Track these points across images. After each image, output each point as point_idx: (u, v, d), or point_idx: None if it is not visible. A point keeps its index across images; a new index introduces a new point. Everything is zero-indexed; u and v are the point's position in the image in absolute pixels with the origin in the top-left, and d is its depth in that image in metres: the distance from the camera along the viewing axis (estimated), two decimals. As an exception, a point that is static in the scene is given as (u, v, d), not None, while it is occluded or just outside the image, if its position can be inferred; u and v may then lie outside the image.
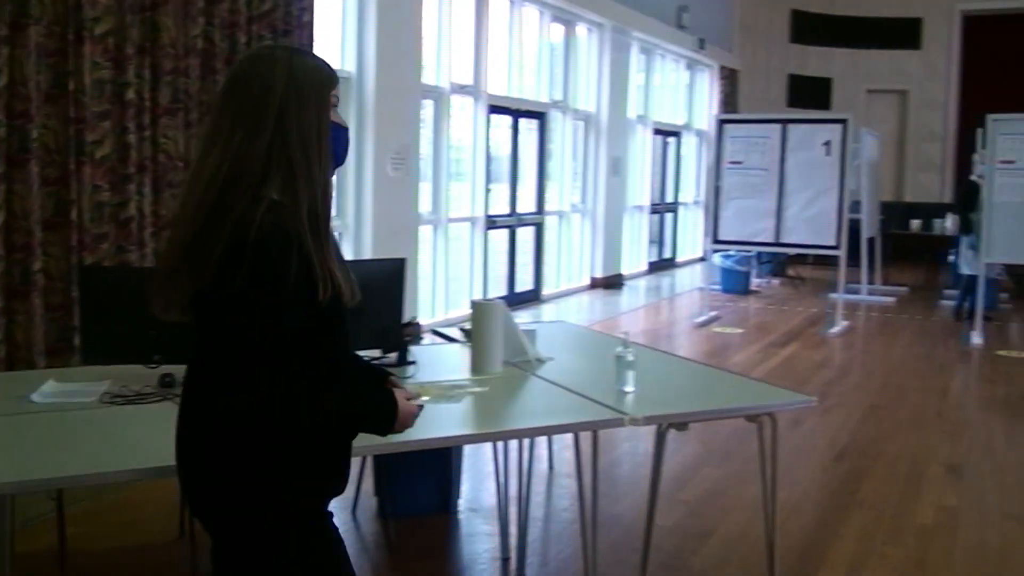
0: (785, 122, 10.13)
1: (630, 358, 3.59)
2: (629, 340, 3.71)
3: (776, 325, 10.34)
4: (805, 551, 4.24)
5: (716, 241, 10.45)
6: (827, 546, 4.31)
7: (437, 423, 3.17)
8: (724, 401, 3.63)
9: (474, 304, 3.80)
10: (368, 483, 4.62)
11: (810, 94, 18.96)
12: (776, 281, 14.00)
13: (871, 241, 12.57)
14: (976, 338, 9.34)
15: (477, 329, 3.77)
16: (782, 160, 9.98)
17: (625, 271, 13.78)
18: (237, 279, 1.83)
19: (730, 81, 17.18)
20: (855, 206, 12.48)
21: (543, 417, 3.34)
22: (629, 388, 3.57)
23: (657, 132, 15.04)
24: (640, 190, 14.52)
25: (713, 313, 10.65)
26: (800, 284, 13.82)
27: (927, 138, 18.97)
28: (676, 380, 3.96)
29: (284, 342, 1.87)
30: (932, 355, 8.98)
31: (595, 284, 12.89)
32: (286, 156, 1.93)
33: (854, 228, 11.77)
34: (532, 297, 11.55)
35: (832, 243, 9.81)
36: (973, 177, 10.76)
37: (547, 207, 11.87)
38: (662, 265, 15.49)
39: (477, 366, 3.78)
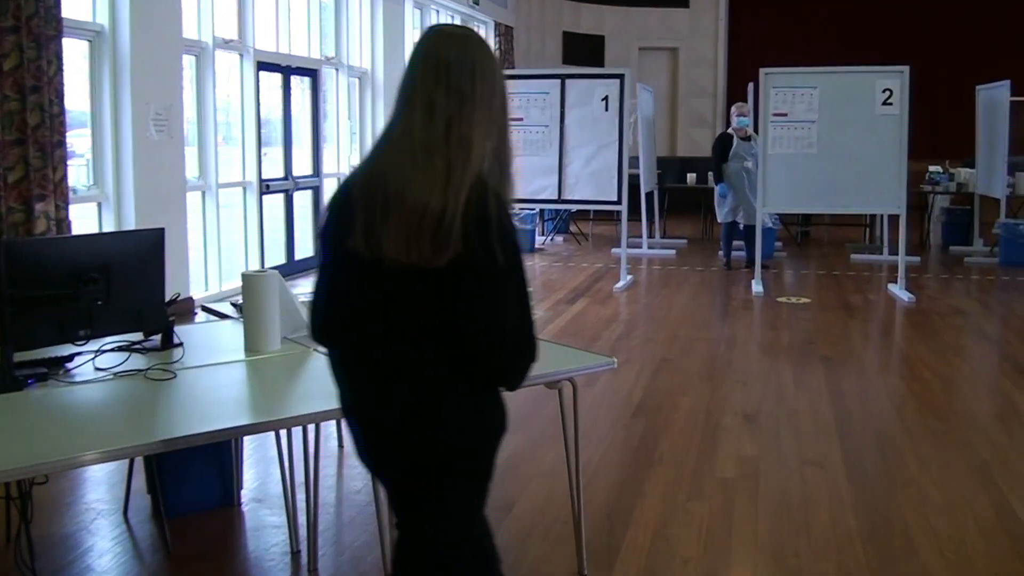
0: (564, 78, 10.04)
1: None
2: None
3: (563, 282, 10.30)
4: (611, 514, 4.11)
5: (500, 199, 10.27)
6: (632, 507, 4.19)
7: (208, 413, 2.81)
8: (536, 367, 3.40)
9: (245, 277, 3.41)
10: (139, 480, 4.17)
11: (584, 51, 19.12)
12: (561, 238, 14.04)
13: (649, 196, 12.76)
14: (756, 286, 9.58)
15: (250, 304, 3.39)
16: (562, 116, 9.89)
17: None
18: (504, 255, 2.01)
19: (506, 38, 17.05)
20: (633, 161, 12.63)
21: (327, 399, 3.01)
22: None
23: (435, 90, 14.72)
24: (420, 150, 14.18)
25: (500, 273, 10.49)
26: (584, 240, 13.91)
27: (698, 94, 19.49)
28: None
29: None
30: (715, 305, 9.16)
31: (378, 248, 12.54)
32: (497, 127, 2.11)
33: (633, 183, 11.90)
34: (313, 264, 11.06)
35: (614, 198, 9.83)
36: (730, 130, 11.04)
37: (325, 170, 11.39)
38: (446, 226, 15.24)
39: (252, 344, 3.41)
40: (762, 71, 9.65)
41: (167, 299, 3.58)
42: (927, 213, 13.37)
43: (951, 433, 5.29)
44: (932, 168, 13.42)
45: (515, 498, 4.30)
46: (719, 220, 11.20)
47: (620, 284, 9.83)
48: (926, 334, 7.80)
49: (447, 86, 2.07)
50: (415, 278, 2.03)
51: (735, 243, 11.22)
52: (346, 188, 2.16)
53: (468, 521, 2.25)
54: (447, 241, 1.99)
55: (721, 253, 11.36)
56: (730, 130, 11.08)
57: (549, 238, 13.90)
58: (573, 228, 14.41)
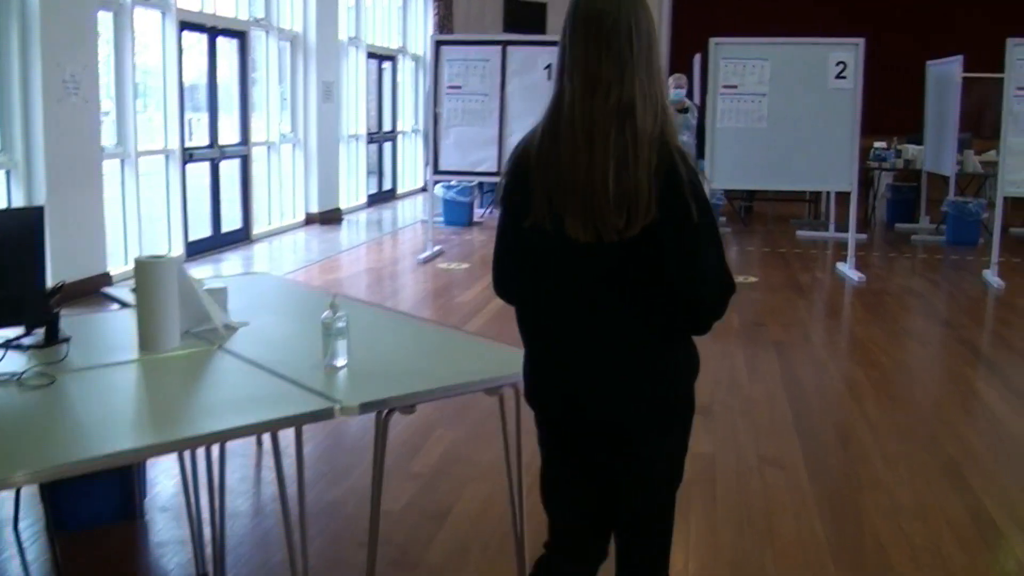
0: (505, 44, 9.57)
1: (340, 324, 2.89)
2: (339, 299, 3.00)
3: (503, 258, 9.88)
4: (556, 525, 3.72)
5: (436, 172, 9.81)
6: (579, 517, 3.81)
7: (88, 432, 2.37)
8: (459, 373, 2.98)
9: (138, 263, 2.94)
10: (30, 491, 3.69)
11: (525, 19, 18.62)
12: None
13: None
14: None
15: (144, 296, 2.93)
16: (503, 85, 9.44)
17: (344, 205, 12.98)
18: (698, 208, 2.01)
19: (445, 3, 16.49)
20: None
21: (231, 412, 2.56)
22: (340, 362, 2.88)
23: (371, 56, 14.19)
24: (356, 118, 13.66)
25: (437, 248, 10.06)
26: (523, 213, 13.48)
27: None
28: (400, 348, 3.28)
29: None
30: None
31: (311, 220, 12.02)
32: (657, 82, 2.08)
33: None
34: (241, 237, 10.56)
35: (557, 171, 9.42)
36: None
37: (253, 138, 10.83)
38: (383, 197, 14.77)
39: (146, 342, 2.94)
40: (712, 41, 9.26)
41: (50, 287, 3.11)
42: (872, 190, 13.16)
43: (915, 426, 5.00)
44: (877, 144, 13.19)
45: (449, 505, 3.90)
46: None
47: None
48: (879, 316, 7.53)
49: (608, 54, 2.05)
50: (609, 248, 2.06)
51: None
52: (522, 164, 2.16)
53: (683, 458, 2.31)
54: (636, 213, 2.01)
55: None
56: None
57: (488, 211, 13.46)
58: (514, 201, 13.95)
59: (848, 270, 9.11)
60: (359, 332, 3.03)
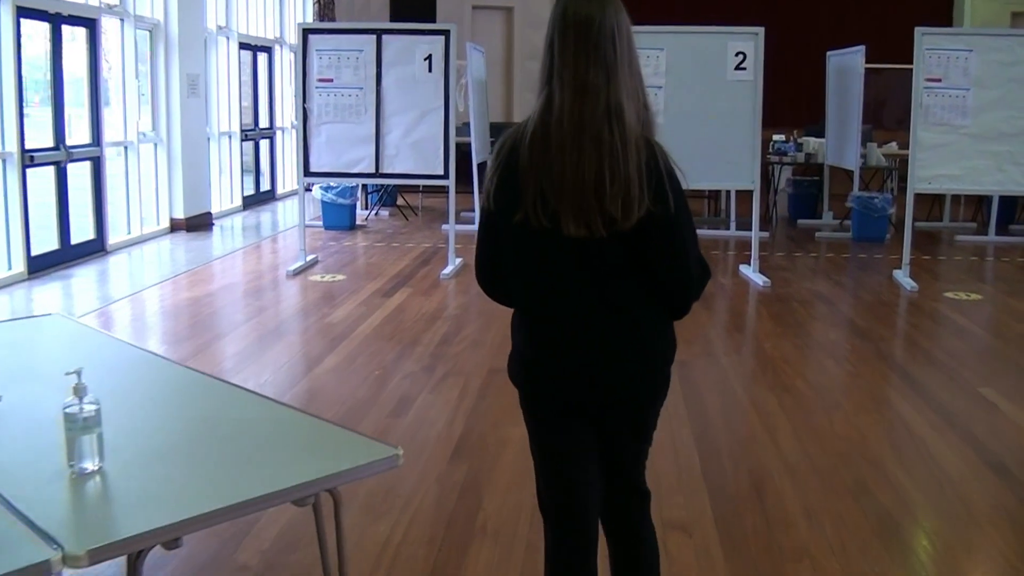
0: (380, 33, 8.72)
1: (88, 414, 2.08)
2: (82, 378, 2.18)
3: (384, 267, 9.06)
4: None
5: (307, 173, 8.92)
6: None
7: None
8: (262, 480, 2.17)
9: None
10: None
11: (413, 8, 17.76)
12: (386, 212, 12.75)
13: (482, 166, 11.60)
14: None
15: None
16: (379, 77, 8.61)
17: (215, 209, 11.99)
18: (676, 201, 2.22)
19: (326, -9, 15.56)
20: (463, 129, 11.47)
21: None
22: (90, 465, 2.08)
23: (244, 47, 13.19)
24: (228, 114, 12.66)
25: (311, 257, 9.19)
26: (413, 215, 12.67)
27: (534, 56, 18.27)
28: (188, 437, 2.46)
29: None
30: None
31: (177, 227, 11.01)
32: (638, 81, 2.24)
33: (465, 152, 10.75)
34: (96, 249, 9.52)
35: (440, 171, 8.63)
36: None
37: (107, 137, 9.79)
38: (261, 199, 13.79)
39: None
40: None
41: None
42: (772, 185, 12.66)
43: (839, 470, 4.34)
44: (776, 137, 12.68)
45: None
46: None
47: (448, 269, 8.65)
48: (789, 327, 6.93)
49: (595, 59, 2.16)
50: (601, 241, 2.18)
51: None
52: (511, 163, 2.22)
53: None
54: (630, 208, 2.14)
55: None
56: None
57: (373, 212, 12.61)
58: (400, 201, 13.16)
59: (752, 273, 8.53)
60: (137, 409, 2.21)
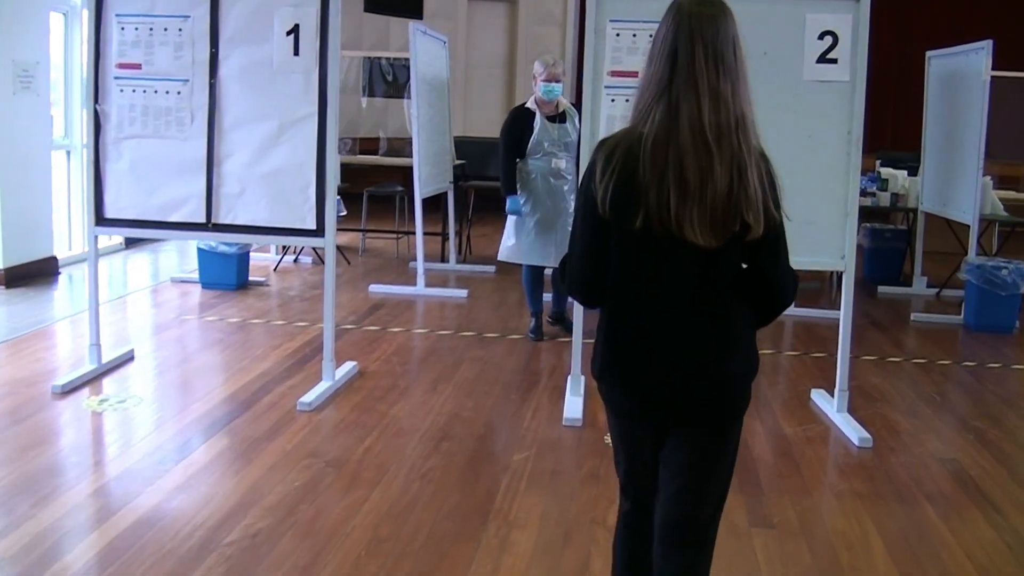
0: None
1: None
2: None
3: (231, 373, 5.60)
4: None
5: (100, 221, 5.38)
6: None
7: None
8: None
9: None
10: None
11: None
12: (309, 258, 9.28)
13: (431, 201, 8.16)
14: (572, 398, 5.07)
15: None
16: (214, 63, 5.13)
17: (67, 251, 8.59)
18: (779, 210, 2.24)
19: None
20: (407, 148, 8.02)
21: None
22: None
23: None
24: (81, 116, 9.22)
25: (125, 351, 5.76)
26: (355, 258, 9.21)
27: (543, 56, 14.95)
28: None
29: None
30: (473, 483, 4.58)
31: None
32: (750, 93, 2.24)
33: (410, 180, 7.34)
34: None
35: (308, 223, 5.14)
36: (530, 103, 6.58)
37: None
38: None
39: None
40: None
41: None
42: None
43: None
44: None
45: None
46: (501, 256, 6.68)
47: (312, 395, 5.10)
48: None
49: (725, 69, 2.17)
50: (723, 249, 2.21)
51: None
52: (629, 168, 2.21)
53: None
54: (757, 218, 2.17)
55: (530, 311, 6.76)
56: (530, 103, 6.55)
57: (293, 256, 9.17)
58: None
59: (838, 414, 5.00)
60: None
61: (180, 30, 5.17)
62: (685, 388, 2.30)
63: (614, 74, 4.86)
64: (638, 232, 2.19)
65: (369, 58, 11.40)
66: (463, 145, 12.41)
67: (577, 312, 5.14)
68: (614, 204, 2.21)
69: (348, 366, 5.54)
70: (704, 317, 2.25)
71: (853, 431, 4.76)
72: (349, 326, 6.66)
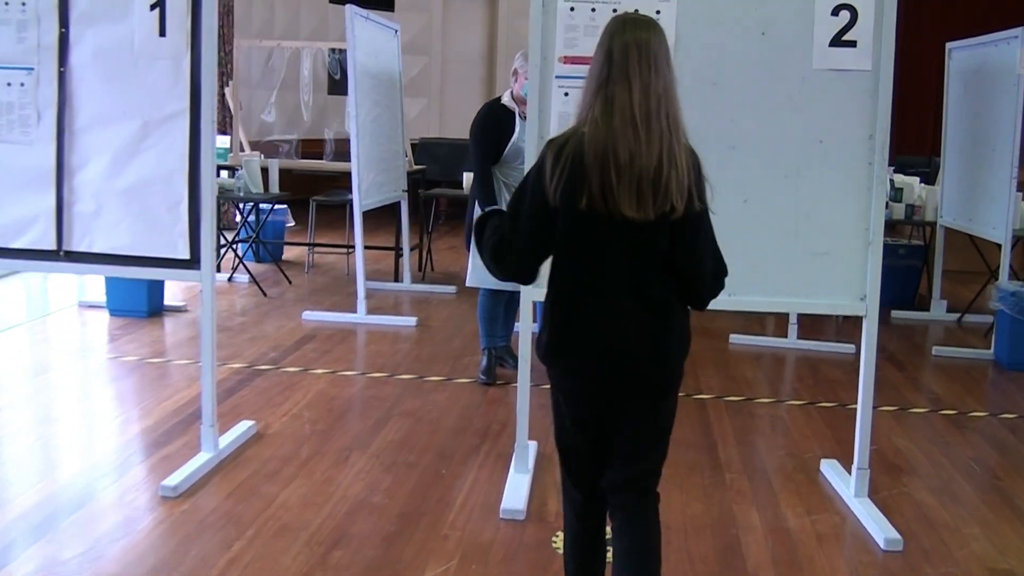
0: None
1: None
2: None
3: (100, 437, 4.51)
4: None
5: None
6: None
7: None
8: None
9: None
10: None
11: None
12: (246, 277, 8.17)
13: (379, 215, 7.06)
14: (518, 479, 3.97)
15: None
16: (64, 46, 4.05)
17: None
18: (703, 198, 2.42)
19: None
20: (346, 152, 6.93)
21: None
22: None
23: None
24: None
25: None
26: (297, 278, 8.10)
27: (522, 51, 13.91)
28: None
29: None
30: None
31: None
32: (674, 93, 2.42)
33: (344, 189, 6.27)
34: None
35: (180, 252, 4.05)
36: (505, 99, 5.47)
37: None
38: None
39: None
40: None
41: None
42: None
43: None
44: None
45: None
46: (470, 282, 5.59)
47: (184, 472, 3.94)
48: None
49: (656, 70, 2.37)
50: (652, 227, 2.37)
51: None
52: (576, 153, 2.36)
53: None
54: (683, 196, 2.35)
55: (482, 346, 5.66)
56: (506, 99, 5.46)
57: (228, 274, 8.07)
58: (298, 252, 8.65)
59: (857, 500, 3.91)
60: None
61: (24, 4, 4.07)
62: (623, 366, 2.47)
63: (567, 60, 3.76)
64: (583, 213, 2.36)
65: (311, 50, 10.28)
66: (436, 147, 11.33)
67: (523, 360, 4.01)
68: (564, 193, 2.37)
69: (242, 427, 4.44)
70: (641, 299, 2.43)
71: (877, 527, 3.65)
72: (265, 367, 5.57)
